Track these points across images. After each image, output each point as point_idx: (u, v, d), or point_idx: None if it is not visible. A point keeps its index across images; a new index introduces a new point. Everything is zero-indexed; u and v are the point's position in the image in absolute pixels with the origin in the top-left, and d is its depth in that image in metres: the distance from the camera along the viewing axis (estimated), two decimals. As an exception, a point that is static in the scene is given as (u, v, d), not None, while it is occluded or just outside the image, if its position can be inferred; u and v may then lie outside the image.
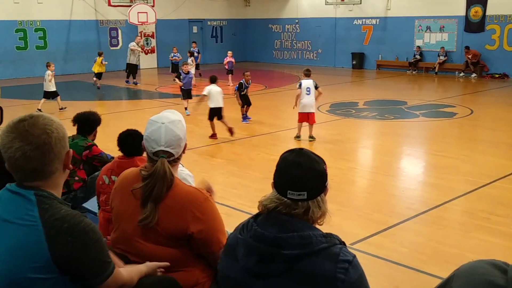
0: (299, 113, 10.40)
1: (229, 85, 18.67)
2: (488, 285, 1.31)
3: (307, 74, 10.69)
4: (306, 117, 10.33)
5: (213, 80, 11.10)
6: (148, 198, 2.43)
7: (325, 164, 2.01)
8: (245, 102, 12.20)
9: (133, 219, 2.49)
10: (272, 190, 1.99)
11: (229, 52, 19.61)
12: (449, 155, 9.21)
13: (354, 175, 8.43)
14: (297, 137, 10.52)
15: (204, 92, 10.75)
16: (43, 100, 14.14)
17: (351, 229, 5.93)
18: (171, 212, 2.43)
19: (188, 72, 13.68)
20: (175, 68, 20.50)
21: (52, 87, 14.16)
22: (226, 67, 19.36)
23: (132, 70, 19.94)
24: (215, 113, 10.66)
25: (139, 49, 20.19)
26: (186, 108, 13.22)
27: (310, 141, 10.31)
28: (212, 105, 10.62)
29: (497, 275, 1.33)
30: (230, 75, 19.32)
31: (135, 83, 19.81)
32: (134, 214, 2.48)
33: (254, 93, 17.61)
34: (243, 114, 12.21)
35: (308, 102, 10.25)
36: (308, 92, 10.27)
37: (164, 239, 2.45)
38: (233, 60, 19.51)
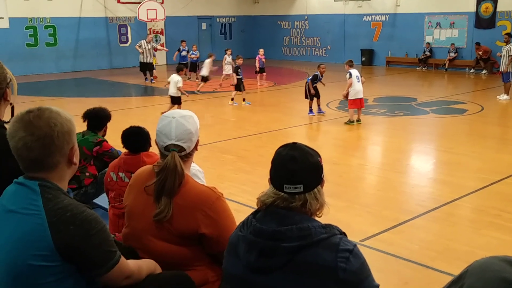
0: (352, 99, 11.35)
1: (261, 85, 18.32)
2: (501, 282, 1.30)
3: (352, 65, 11.78)
4: (359, 103, 11.36)
5: (177, 70, 12.65)
6: (161, 192, 2.42)
7: (319, 156, 2.02)
8: (316, 94, 12.48)
9: (144, 216, 2.49)
10: (269, 186, 2.01)
11: (261, 50, 18.99)
12: (460, 152, 9.16)
13: (363, 172, 8.40)
14: (351, 122, 11.38)
15: (168, 79, 12.45)
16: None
17: (360, 226, 5.91)
18: (182, 211, 2.42)
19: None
20: (193, 66, 20.01)
21: (206, 73, 16.83)
22: (258, 65, 18.58)
23: (143, 68, 19.62)
24: (173, 100, 12.26)
25: (141, 50, 19.37)
26: (244, 99, 14.24)
27: (359, 123, 11.42)
28: (169, 92, 12.33)
29: (511, 271, 1.32)
30: (263, 73, 18.62)
31: (147, 79, 19.61)
32: (145, 211, 2.48)
33: (263, 90, 17.64)
34: (310, 107, 12.45)
35: (361, 88, 11.45)
36: (358, 80, 11.46)
37: (175, 237, 2.44)
38: (263, 58, 18.75)
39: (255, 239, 1.92)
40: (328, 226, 1.93)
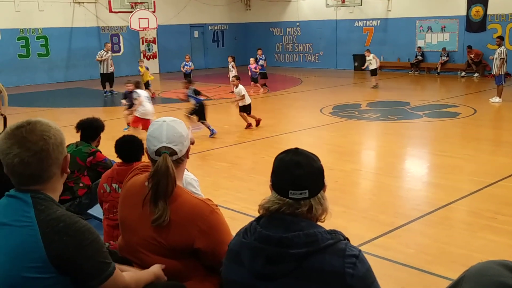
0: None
1: (254, 93, 17.73)
2: (499, 286, 1.29)
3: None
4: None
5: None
6: (157, 196, 2.36)
7: (320, 161, 2.03)
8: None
9: (138, 230, 2.45)
10: (272, 192, 1.99)
11: (251, 59, 18.80)
12: (454, 155, 9.18)
13: (358, 177, 8.40)
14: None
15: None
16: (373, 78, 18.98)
17: (356, 231, 5.90)
18: (176, 226, 2.37)
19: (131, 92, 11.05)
20: (188, 78, 19.21)
21: (373, 66, 18.92)
22: (249, 73, 18.46)
23: (104, 79, 18.85)
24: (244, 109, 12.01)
25: (102, 58, 18.61)
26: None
27: None
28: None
29: (508, 275, 1.31)
30: (256, 83, 18.46)
31: (107, 92, 18.77)
32: (139, 225, 2.44)
33: (256, 97, 17.63)
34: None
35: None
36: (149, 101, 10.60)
37: (169, 252, 2.40)
38: (254, 67, 18.48)
39: (261, 246, 1.91)
40: (334, 232, 1.93)
